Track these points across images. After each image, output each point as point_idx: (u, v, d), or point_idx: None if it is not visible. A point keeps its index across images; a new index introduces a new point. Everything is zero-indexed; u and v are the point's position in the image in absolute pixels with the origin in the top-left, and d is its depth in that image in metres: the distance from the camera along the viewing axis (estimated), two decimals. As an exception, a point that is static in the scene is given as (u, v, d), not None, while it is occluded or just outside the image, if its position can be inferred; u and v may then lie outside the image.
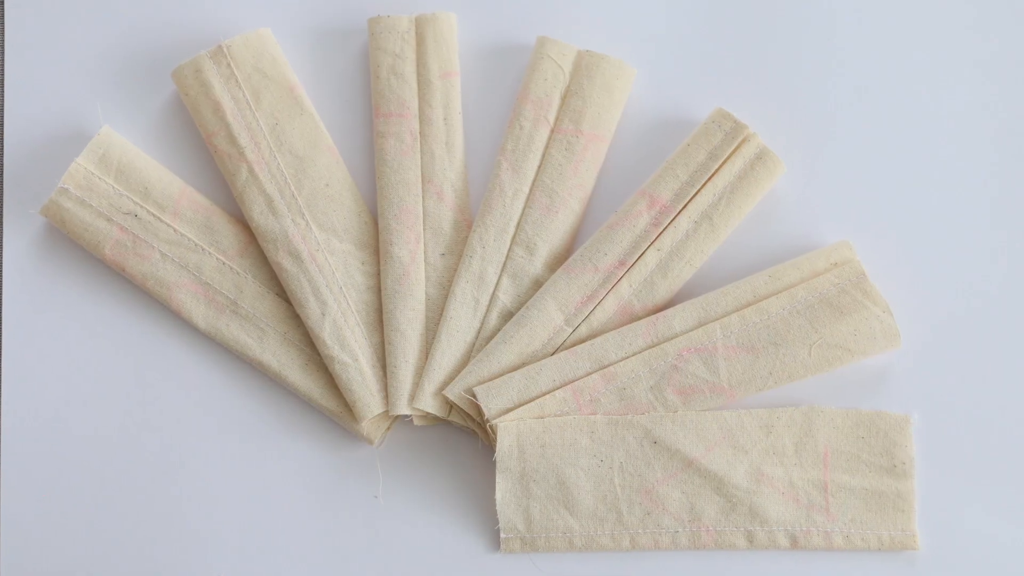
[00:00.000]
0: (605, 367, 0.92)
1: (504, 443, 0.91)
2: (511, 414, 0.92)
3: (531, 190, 0.96)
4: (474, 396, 0.92)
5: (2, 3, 1.01)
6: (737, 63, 1.01)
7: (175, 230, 0.96)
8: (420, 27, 0.98)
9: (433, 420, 0.94)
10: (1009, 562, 0.93)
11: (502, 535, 0.92)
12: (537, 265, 0.95)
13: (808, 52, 1.01)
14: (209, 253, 0.96)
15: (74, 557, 0.94)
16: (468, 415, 0.93)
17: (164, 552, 0.94)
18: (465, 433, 0.96)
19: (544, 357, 0.94)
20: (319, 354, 0.95)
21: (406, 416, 0.94)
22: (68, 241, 0.98)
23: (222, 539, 0.94)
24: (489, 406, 0.92)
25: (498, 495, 0.91)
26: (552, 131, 0.97)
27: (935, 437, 0.95)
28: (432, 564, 0.94)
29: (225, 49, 0.97)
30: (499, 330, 0.95)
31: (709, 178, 0.95)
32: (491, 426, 0.92)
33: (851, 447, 0.92)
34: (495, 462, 0.92)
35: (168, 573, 0.94)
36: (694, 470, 0.91)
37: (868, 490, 0.92)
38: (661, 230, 0.94)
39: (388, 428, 0.95)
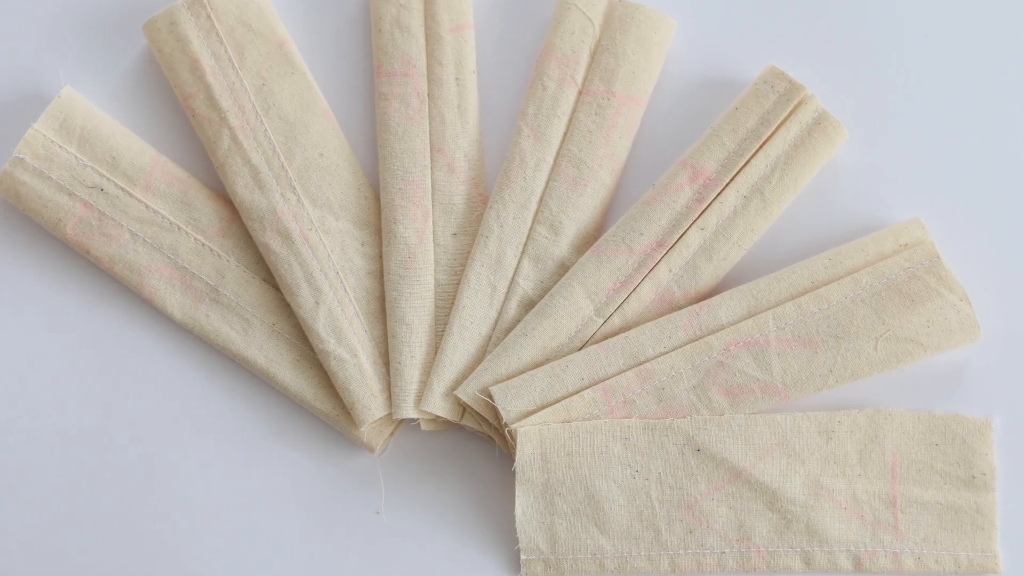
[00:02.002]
0: (641, 364, 0.90)
1: (525, 451, 0.89)
2: (533, 417, 0.89)
3: (556, 160, 0.94)
4: (490, 397, 0.90)
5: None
6: (792, 14, 0.99)
7: (147, 206, 0.94)
8: (429, -27, 0.98)
9: (443, 424, 0.92)
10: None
11: (522, 556, 0.89)
12: (563, 246, 0.93)
13: (872, 1, 0.99)
14: (186, 233, 0.94)
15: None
16: (483, 419, 0.91)
17: (134, 571, 0.92)
18: (480, 440, 0.93)
19: (571, 352, 0.91)
20: (312, 349, 0.93)
21: (412, 420, 0.92)
22: (25, 219, 0.96)
23: (201, 561, 0.92)
24: (507, 408, 0.89)
25: (518, 511, 0.89)
26: (580, 93, 0.95)
27: (1019, 444, 0.92)
28: (443, 590, 0.92)
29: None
30: (519, 321, 0.93)
31: (760, 146, 0.93)
32: (510, 431, 0.89)
33: (923, 455, 0.90)
34: (514, 473, 0.89)
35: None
36: (743, 482, 0.89)
37: (943, 505, 0.89)
38: (705, 206, 0.92)
39: (391, 434, 0.93)
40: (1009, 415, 0.91)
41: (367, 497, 0.92)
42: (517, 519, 0.88)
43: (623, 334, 0.91)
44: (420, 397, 0.90)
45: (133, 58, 0.98)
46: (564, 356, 0.91)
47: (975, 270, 0.93)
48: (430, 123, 0.95)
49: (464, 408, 0.91)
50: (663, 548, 0.88)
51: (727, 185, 0.92)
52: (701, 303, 0.91)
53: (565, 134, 0.94)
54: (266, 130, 0.94)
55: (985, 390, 0.92)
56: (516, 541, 0.89)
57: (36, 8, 0.99)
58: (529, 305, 0.92)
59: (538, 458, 0.89)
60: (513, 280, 0.92)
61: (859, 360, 0.89)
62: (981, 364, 0.92)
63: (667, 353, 0.90)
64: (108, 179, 0.93)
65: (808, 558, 0.88)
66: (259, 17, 0.96)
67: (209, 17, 0.94)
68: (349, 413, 0.91)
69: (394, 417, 0.90)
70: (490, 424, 0.90)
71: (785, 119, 0.93)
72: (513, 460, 0.89)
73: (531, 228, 0.93)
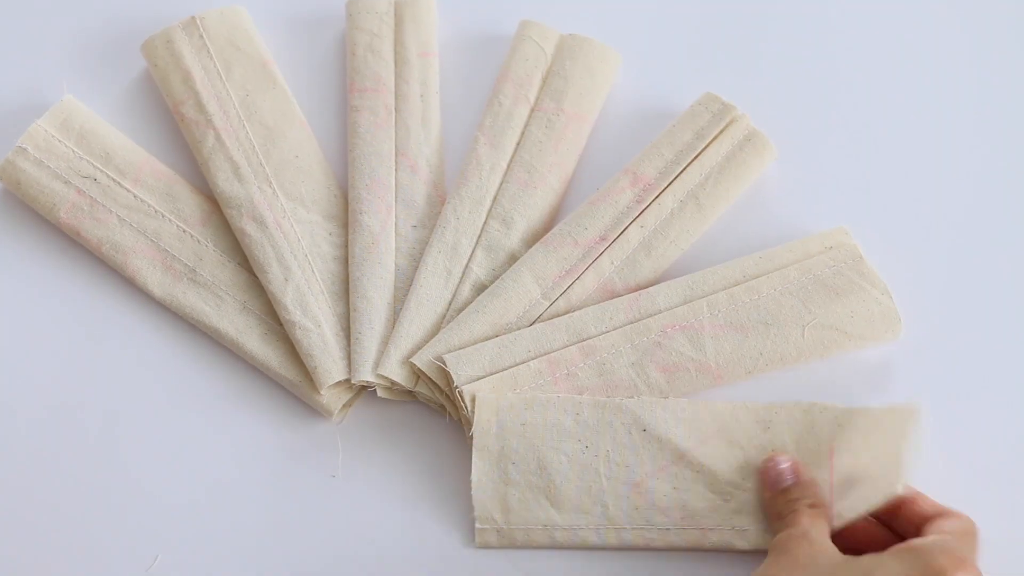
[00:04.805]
0: (584, 340, 0.91)
1: (482, 417, 0.89)
2: (482, 382, 0.90)
3: (509, 165, 0.97)
4: (443, 363, 0.90)
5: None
6: (728, 55, 1.04)
7: (135, 196, 0.96)
8: (399, 8, 1.02)
9: (399, 394, 0.92)
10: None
11: (477, 525, 0.88)
12: (514, 239, 0.95)
13: (802, 38, 1.05)
14: (169, 220, 0.96)
15: (6, 536, 0.90)
16: (436, 386, 0.91)
17: (103, 531, 0.90)
18: (434, 411, 0.93)
19: (519, 329, 0.93)
20: (280, 324, 0.94)
21: (370, 387, 0.92)
22: (21, 206, 0.98)
23: (166, 517, 0.91)
24: (459, 372, 0.90)
25: (474, 476, 0.88)
26: (532, 109, 0.99)
27: (946, 435, 0.92)
28: (397, 557, 0.89)
29: (199, 21, 1.00)
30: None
31: (695, 157, 0.96)
32: (460, 393, 0.89)
33: (857, 444, 0.88)
34: (471, 438, 0.89)
35: (106, 554, 0.89)
36: (686, 464, 0.89)
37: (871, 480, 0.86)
38: (645, 207, 0.95)
39: (350, 404, 0.93)
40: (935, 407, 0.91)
41: (325, 462, 0.91)
42: (473, 486, 0.87)
43: (568, 314, 0.92)
44: (377, 363, 0.90)
45: (129, 80, 1.02)
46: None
47: (896, 280, 0.94)
48: (396, 132, 0.97)
49: (418, 376, 0.90)
50: (611, 523, 0.87)
51: (665, 189, 0.94)
52: (640, 291, 0.93)
53: (518, 143, 0.97)
54: (248, 133, 0.96)
55: (908, 385, 0.93)
56: (471, 511, 0.88)
57: (43, 32, 1.03)
58: (481, 289, 0.93)
59: (494, 425, 0.88)
60: (467, 266, 0.93)
61: (787, 345, 0.90)
62: (903, 361, 0.93)
63: (608, 332, 0.91)
64: (101, 171, 0.95)
65: (747, 537, 0.87)
66: (247, 40, 0.99)
67: (202, 36, 0.98)
68: (311, 379, 0.90)
69: (353, 380, 0.90)
70: (442, 391, 0.90)
71: (718, 135, 0.96)
72: (464, 429, 0.89)
73: (485, 222, 0.94)
